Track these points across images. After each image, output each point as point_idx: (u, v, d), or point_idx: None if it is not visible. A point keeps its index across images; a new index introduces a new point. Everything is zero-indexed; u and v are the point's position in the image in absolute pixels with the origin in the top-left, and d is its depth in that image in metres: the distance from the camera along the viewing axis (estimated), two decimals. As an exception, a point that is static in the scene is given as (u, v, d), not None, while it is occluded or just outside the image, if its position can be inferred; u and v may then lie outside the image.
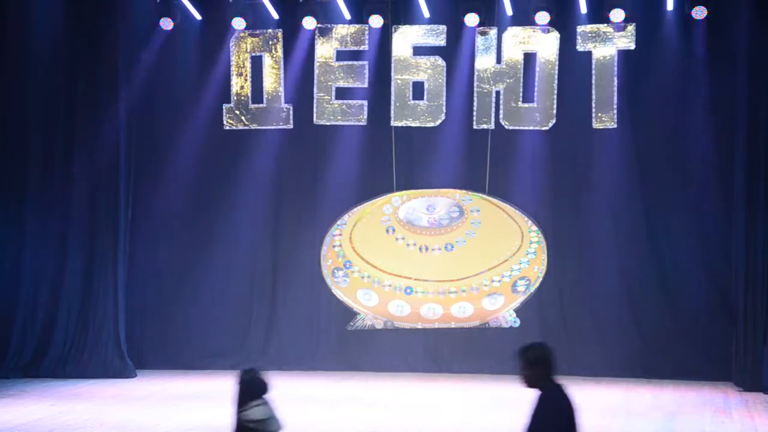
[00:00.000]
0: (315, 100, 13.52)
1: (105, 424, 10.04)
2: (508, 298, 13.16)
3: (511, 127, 13.23)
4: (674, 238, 12.99)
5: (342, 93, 13.52)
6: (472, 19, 13.09)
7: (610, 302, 13.08)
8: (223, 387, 12.25)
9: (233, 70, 13.60)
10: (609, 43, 12.99)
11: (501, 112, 13.22)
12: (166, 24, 13.43)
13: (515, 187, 13.30)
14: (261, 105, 13.61)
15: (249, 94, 13.61)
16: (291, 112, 13.59)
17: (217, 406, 11.03)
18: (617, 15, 12.79)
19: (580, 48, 13.07)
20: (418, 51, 13.39)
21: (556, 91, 13.12)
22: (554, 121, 13.14)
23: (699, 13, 12.63)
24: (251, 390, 6.17)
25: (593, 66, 13.03)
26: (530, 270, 13.13)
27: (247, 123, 13.63)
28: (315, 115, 13.52)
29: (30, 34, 13.21)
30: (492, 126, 13.22)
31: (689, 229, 12.92)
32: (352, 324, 13.36)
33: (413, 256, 13.31)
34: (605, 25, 12.96)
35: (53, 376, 12.91)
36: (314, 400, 11.43)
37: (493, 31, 13.22)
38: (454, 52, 13.32)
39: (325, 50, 13.50)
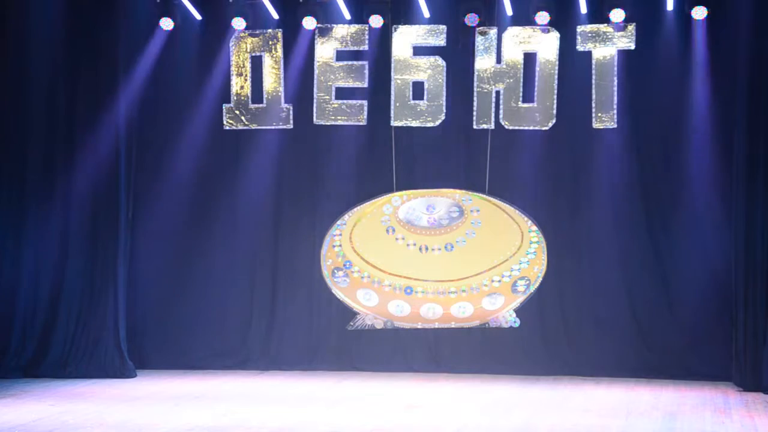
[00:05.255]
0: (315, 100, 13.52)
1: (105, 424, 10.03)
2: (508, 298, 13.16)
3: (511, 127, 13.22)
4: (674, 237, 12.99)
5: (342, 93, 13.51)
6: (472, 19, 13.12)
7: (610, 302, 13.08)
8: (223, 387, 12.38)
9: (233, 70, 13.60)
10: (609, 43, 12.99)
11: (501, 112, 13.22)
12: (166, 24, 13.45)
13: (515, 187, 13.29)
14: (261, 105, 13.61)
15: (249, 94, 13.61)
16: (291, 112, 13.59)
17: (217, 406, 11.05)
18: (617, 15, 12.79)
19: (580, 48, 13.06)
20: (418, 51, 13.38)
21: (556, 91, 13.11)
22: (554, 121, 13.14)
23: (699, 13, 12.63)
24: None
25: (593, 66, 13.02)
26: (530, 270, 13.13)
27: (247, 123, 13.63)
28: (315, 115, 13.52)
29: (30, 34, 13.19)
30: (492, 126, 13.21)
31: (689, 229, 12.92)
32: (352, 324, 13.36)
33: (413, 256, 13.30)
34: (605, 25, 12.95)
35: (53, 376, 12.90)
36: (314, 400, 11.44)
37: (493, 31, 13.22)
38: (454, 52, 13.33)
39: (325, 50, 13.50)
